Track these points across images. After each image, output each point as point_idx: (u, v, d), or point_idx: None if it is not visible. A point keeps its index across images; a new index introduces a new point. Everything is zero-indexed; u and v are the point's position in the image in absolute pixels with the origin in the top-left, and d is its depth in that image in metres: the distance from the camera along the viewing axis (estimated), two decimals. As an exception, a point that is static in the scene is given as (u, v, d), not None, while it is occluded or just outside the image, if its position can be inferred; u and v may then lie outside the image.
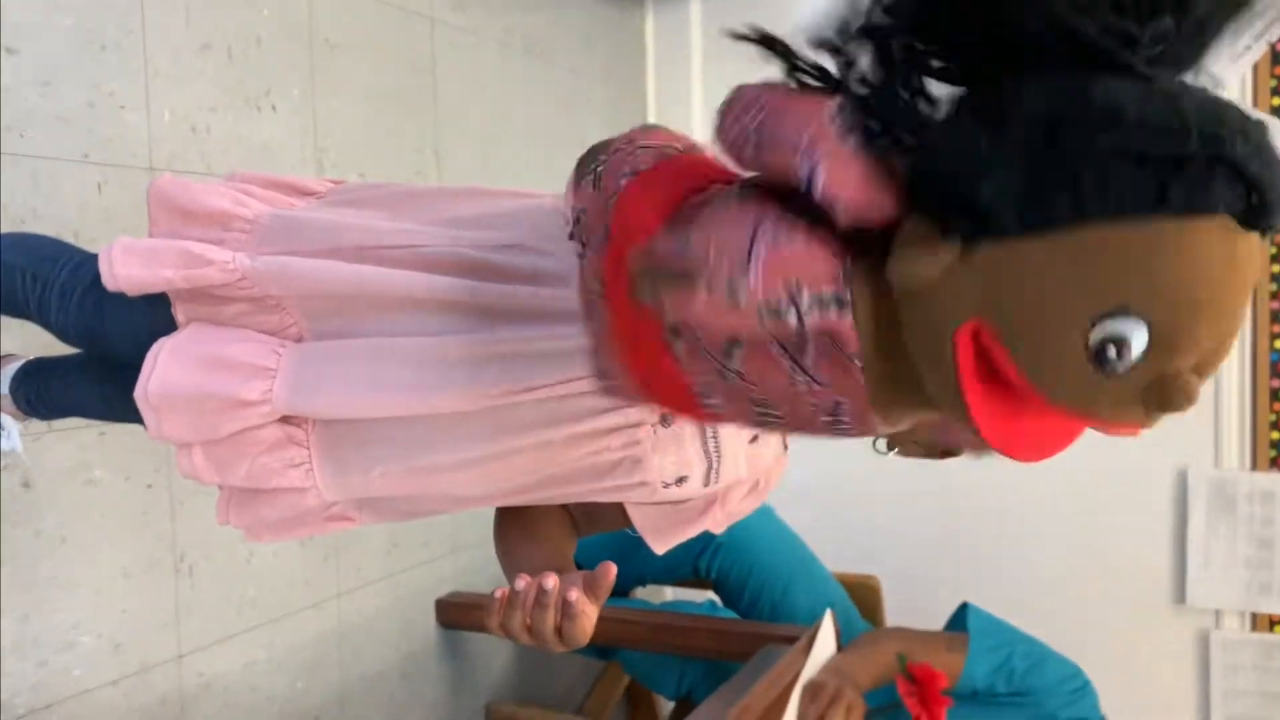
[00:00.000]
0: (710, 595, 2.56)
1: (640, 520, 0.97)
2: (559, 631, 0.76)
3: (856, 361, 0.62)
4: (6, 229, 1.46)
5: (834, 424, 0.67)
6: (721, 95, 0.66)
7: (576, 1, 2.93)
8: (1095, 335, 0.52)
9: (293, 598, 1.99)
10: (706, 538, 2.38)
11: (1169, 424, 0.86)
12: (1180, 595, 2.80)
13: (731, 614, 2.40)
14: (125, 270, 0.93)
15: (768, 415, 0.68)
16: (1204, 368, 0.54)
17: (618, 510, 0.98)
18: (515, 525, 0.99)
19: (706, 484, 0.90)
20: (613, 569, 0.77)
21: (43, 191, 1.53)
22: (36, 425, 1.49)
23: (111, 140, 1.63)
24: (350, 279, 0.89)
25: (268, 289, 0.92)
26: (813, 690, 1.76)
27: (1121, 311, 0.52)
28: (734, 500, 0.95)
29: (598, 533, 1.02)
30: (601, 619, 0.79)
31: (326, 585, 2.07)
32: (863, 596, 2.47)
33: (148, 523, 1.68)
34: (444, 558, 2.41)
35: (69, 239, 1.23)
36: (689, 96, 3.23)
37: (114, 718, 1.63)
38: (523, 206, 0.93)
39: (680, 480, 0.88)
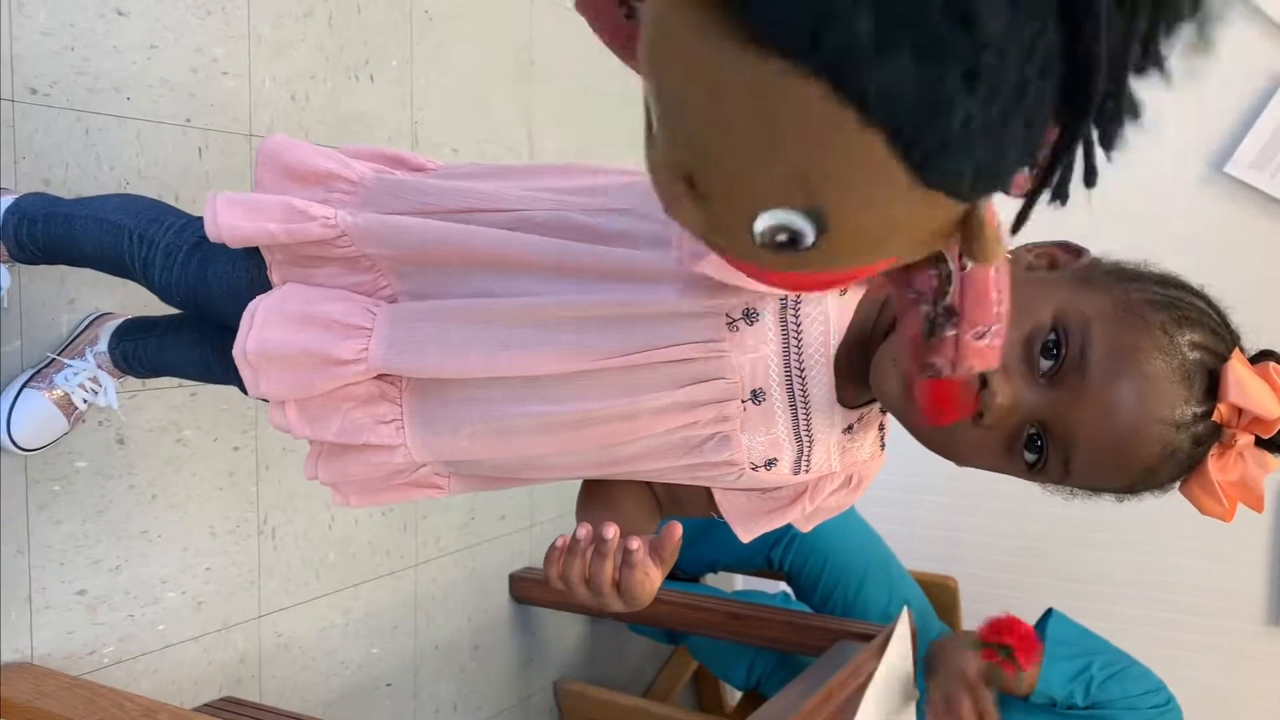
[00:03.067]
0: (783, 587, 2.53)
1: (727, 506, 0.95)
2: (617, 585, 0.73)
3: None
4: (112, 191, 1.49)
5: None
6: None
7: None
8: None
9: (371, 565, 2.01)
10: (783, 529, 2.37)
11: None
12: (1275, 616, 2.69)
13: (804, 607, 2.37)
14: (228, 220, 0.93)
15: None
16: (701, 182, 0.47)
17: (703, 495, 0.96)
18: (597, 496, 0.97)
19: (797, 472, 0.87)
20: (678, 527, 0.73)
21: (146, 154, 1.56)
22: (131, 383, 1.53)
23: (213, 106, 1.65)
24: (453, 238, 0.89)
25: (365, 248, 0.91)
26: (948, 703, 1.75)
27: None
28: (823, 494, 0.92)
29: (681, 516, 1.00)
30: (673, 602, 0.77)
31: (404, 554, 2.09)
32: (939, 597, 2.42)
33: (234, 484, 1.72)
34: (520, 532, 2.42)
35: (170, 202, 1.25)
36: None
37: (195, 673, 1.67)
38: (630, 180, 0.91)
39: (769, 463, 0.86)
